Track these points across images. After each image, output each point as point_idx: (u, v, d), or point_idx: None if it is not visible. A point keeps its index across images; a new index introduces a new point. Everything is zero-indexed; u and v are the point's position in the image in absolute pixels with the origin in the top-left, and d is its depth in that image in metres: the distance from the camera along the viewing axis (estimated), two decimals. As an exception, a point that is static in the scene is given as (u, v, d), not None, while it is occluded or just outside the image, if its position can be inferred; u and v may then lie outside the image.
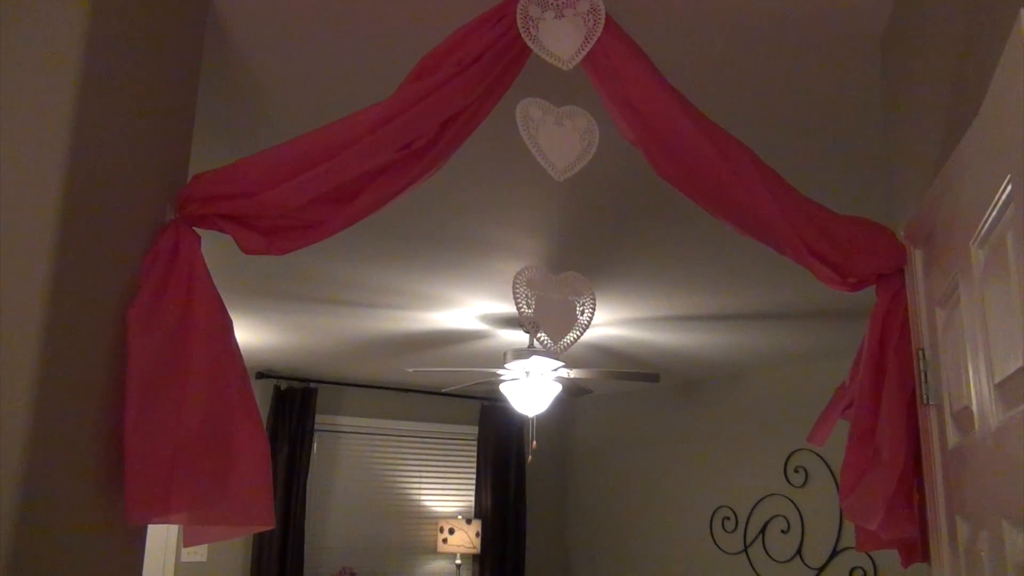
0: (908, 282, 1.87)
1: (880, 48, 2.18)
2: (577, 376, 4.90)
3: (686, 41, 2.18)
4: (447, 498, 7.41)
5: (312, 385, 6.80)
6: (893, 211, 2.12)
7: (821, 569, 5.72)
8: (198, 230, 1.79)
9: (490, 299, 4.59)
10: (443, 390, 6.53)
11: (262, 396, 6.56)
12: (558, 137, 1.89)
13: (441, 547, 7.05)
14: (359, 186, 1.82)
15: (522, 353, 4.49)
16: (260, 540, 6.35)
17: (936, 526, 1.70)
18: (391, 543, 7.07)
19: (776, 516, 6.10)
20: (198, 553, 6.20)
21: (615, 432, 7.64)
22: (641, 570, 7.04)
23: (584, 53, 1.84)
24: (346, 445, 7.05)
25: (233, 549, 6.45)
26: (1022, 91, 0.96)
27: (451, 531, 7.06)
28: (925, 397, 1.77)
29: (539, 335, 1.94)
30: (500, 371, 4.77)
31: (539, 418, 5.14)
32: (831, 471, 5.69)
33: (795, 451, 5.98)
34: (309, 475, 6.63)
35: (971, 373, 1.43)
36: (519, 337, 5.19)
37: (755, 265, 3.89)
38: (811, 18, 2.08)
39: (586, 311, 2.11)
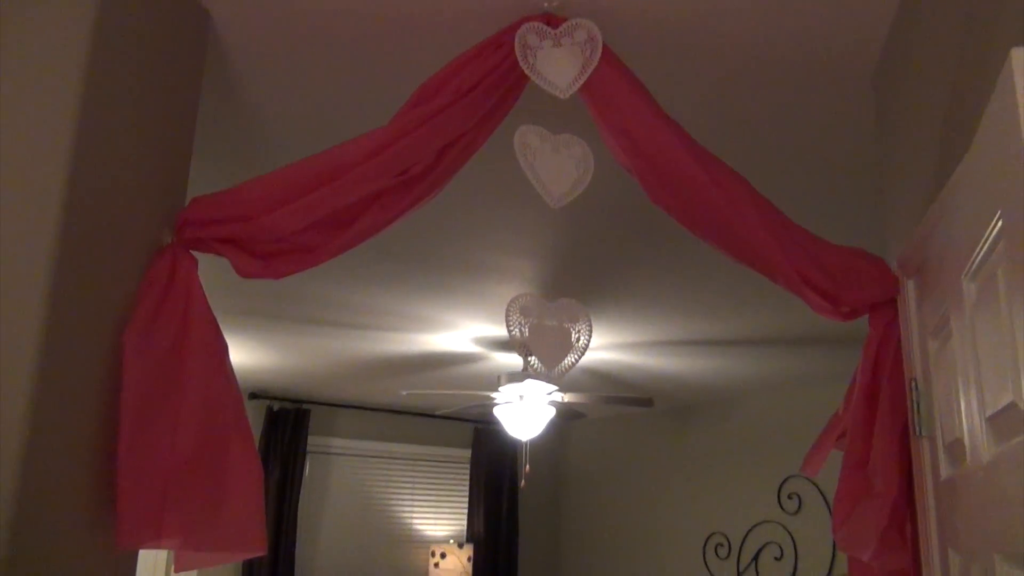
0: (901, 313, 1.88)
1: (873, 82, 2.20)
2: (571, 400, 4.90)
3: (683, 72, 2.20)
4: (439, 522, 7.36)
5: (305, 406, 6.77)
6: (886, 241, 2.14)
7: (814, 597, 5.70)
8: (195, 253, 1.79)
9: (485, 322, 4.60)
10: (436, 412, 6.50)
11: (255, 417, 6.53)
12: (555, 165, 1.90)
13: (432, 572, 7.00)
14: (357, 211, 1.83)
15: (516, 376, 4.48)
16: (250, 563, 6.29)
17: (929, 558, 1.70)
18: (382, 567, 7.02)
19: (769, 543, 6.08)
20: (188, 576, 6.15)
21: (608, 457, 7.62)
22: (633, 596, 6.99)
23: (581, 82, 1.86)
24: (338, 467, 7.02)
25: (223, 572, 6.39)
26: (1012, 130, 0.97)
27: (443, 555, 7.01)
28: (918, 428, 1.78)
29: (532, 361, 1.94)
30: (494, 394, 4.76)
31: (532, 442, 5.13)
32: (825, 498, 5.68)
33: (789, 477, 5.96)
34: (301, 497, 6.59)
35: (963, 405, 1.44)
36: (513, 360, 5.18)
37: (749, 291, 3.91)
38: (805, 53, 2.11)
39: (582, 337, 2.11)
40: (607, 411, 7.20)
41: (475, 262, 3.72)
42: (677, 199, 1.89)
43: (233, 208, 1.77)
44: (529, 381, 4.41)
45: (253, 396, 6.58)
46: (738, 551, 6.28)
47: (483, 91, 1.83)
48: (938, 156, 1.67)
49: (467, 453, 7.53)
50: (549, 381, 4.43)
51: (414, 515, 7.26)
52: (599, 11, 1.91)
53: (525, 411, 4.65)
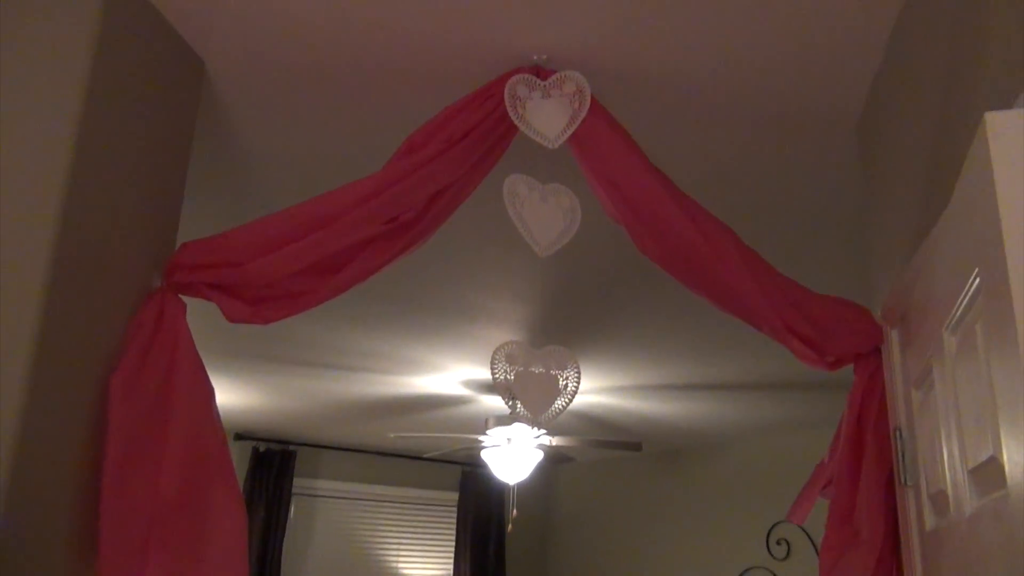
0: (885, 362, 1.90)
1: (857, 133, 2.24)
2: (559, 444, 4.88)
3: (669, 123, 2.24)
4: (425, 566, 7.27)
5: (291, 447, 6.72)
6: (871, 290, 2.16)
7: (804, 645, 5.63)
8: (184, 297, 1.80)
9: (473, 364, 4.59)
10: (424, 455, 6.47)
11: (240, 458, 6.47)
12: (543, 214, 1.93)
13: (418, 617, 6.89)
14: (346, 257, 1.85)
15: (504, 419, 4.47)
16: (232, 607, 6.18)
17: (915, 609, 1.70)
18: (367, 612, 6.91)
19: (758, 589, 6.03)
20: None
21: (597, 501, 7.56)
22: (621, 643, 6.89)
23: (569, 133, 1.89)
24: (324, 509, 6.94)
25: (204, 616, 6.27)
26: (987, 192, 1.00)
27: (428, 600, 6.91)
28: (903, 477, 1.78)
29: (518, 408, 1.95)
30: (482, 437, 4.74)
31: (520, 486, 5.09)
32: (814, 544, 5.65)
33: (777, 523, 5.93)
34: (285, 539, 6.51)
35: (946, 457, 1.45)
36: (501, 403, 5.17)
37: (737, 336, 3.92)
38: (790, 104, 2.15)
39: (570, 383, 2.12)
40: (595, 455, 7.17)
41: (464, 305, 3.73)
42: (663, 248, 1.91)
43: (223, 253, 1.78)
44: (517, 424, 4.40)
45: (239, 437, 6.52)
46: (727, 598, 6.22)
47: (473, 140, 1.85)
48: (920, 207, 1.70)
49: (454, 496, 7.46)
50: (537, 426, 4.42)
51: (400, 559, 7.17)
52: (588, 63, 1.95)
53: (513, 454, 4.63)
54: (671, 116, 2.21)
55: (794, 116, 2.20)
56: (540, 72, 1.94)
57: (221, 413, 1.79)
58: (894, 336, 1.87)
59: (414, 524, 7.32)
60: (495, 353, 1.91)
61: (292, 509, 6.70)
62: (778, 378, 4.69)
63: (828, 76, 2.04)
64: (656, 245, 1.91)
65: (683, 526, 6.67)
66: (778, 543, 5.95)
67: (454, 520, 7.41)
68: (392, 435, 5.40)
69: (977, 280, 1.13)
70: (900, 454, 1.79)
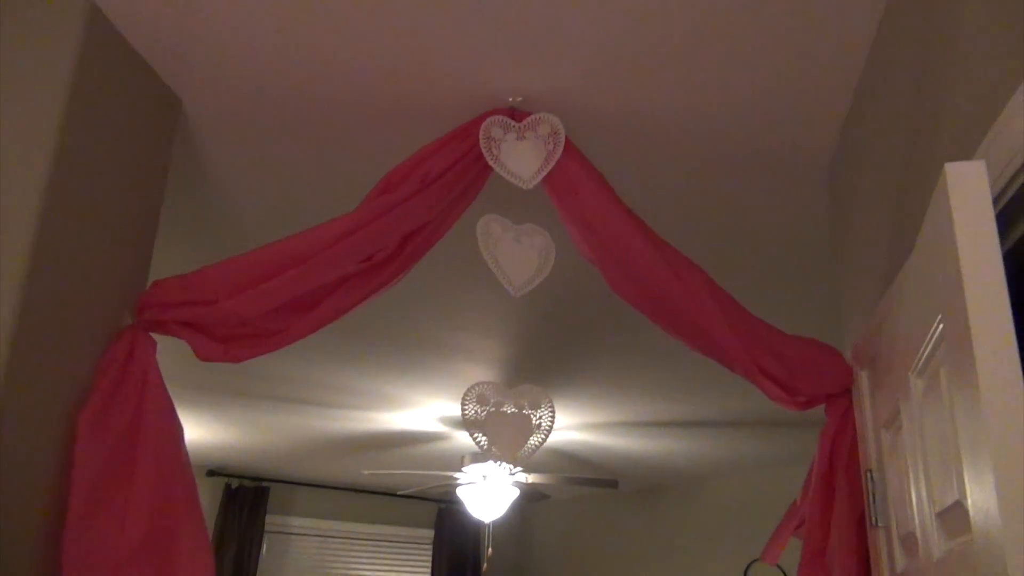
0: (855, 403, 1.91)
1: (827, 177, 2.28)
2: (535, 481, 4.86)
3: (643, 165, 2.27)
4: (399, 604, 7.16)
5: (264, 484, 6.63)
6: (841, 332, 2.19)
7: None
8: (155, 335, 1.79)
9: (449, 401, 4.57)
10: (399, 492, 6.40)
11: (212, 495, 6.37)
12: (516, 254, 1.94)
13: (391, 657, 6.77)
14: (319, 296, 1.85)
15: (480, 456, 4.45)
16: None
17: (886, 652, 1.69)
18: (339, 653, 6.78)
19: (735, 628, 5.98)
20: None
21: (573, 538, 7.50)
22: None
23: (544, 174, 1.91)
24: (297, 547, 6.83)
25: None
26: (947, 241, 1.02)
27: (402, 640, 6.80)
28: (874, 518, 1.79)
29: (486, 446, 1.94)
30: (457, 474, 4.71)
31: (496, 523, 5.05)
32: (790, 583, 5.63)
33: (754, 561, 5.90)
34: (256, 578, 6.40)
35: (914, 499, 1.46)
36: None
37: (712, 374, 3.91)
38: (762, 147, 2.19)
39: (544, 420, 2.12)
40: (571, 492, 7.13)
41: (440, 342, 3.72)
42: (636, 289, 1.92)
43: (195, 291, 1.77)
44: (493, 462, 4.38)
45: (211, 473, 6.43)
46: (704, 637, 6.17)
47: (448, 181, 1.87)
48: (888, 250, 1.72)
49: (430, 533, 7.38)
50: (511, 464, 4.40)
51: (374, 598, 7.06)
52: (562, 106, 1.98)
53: (489, 492, 4.60)
54: (644, 158, 2.24)
55: (765, 159, 2.24)
56: (515, 114, 1.97)
57: (193, 448, 1.77)
58: (864, 377, 1.89)
59: (389, 562, 7.22)
60: (466, 394, 1.91)
61: (264, 547, 6.59)
62: (754, 415, 4.70)
63: (798, 121, 2.08)
64: (629, 286, 1.93)
65: (660, 564, 6.63)
66: (755, 581, 5.92)
67: (429, 558, 7.32)
68: (367, 472, 5.34)
69: (940, 326, 1.14)
70: (871, 495, 1.80)
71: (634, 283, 1.92)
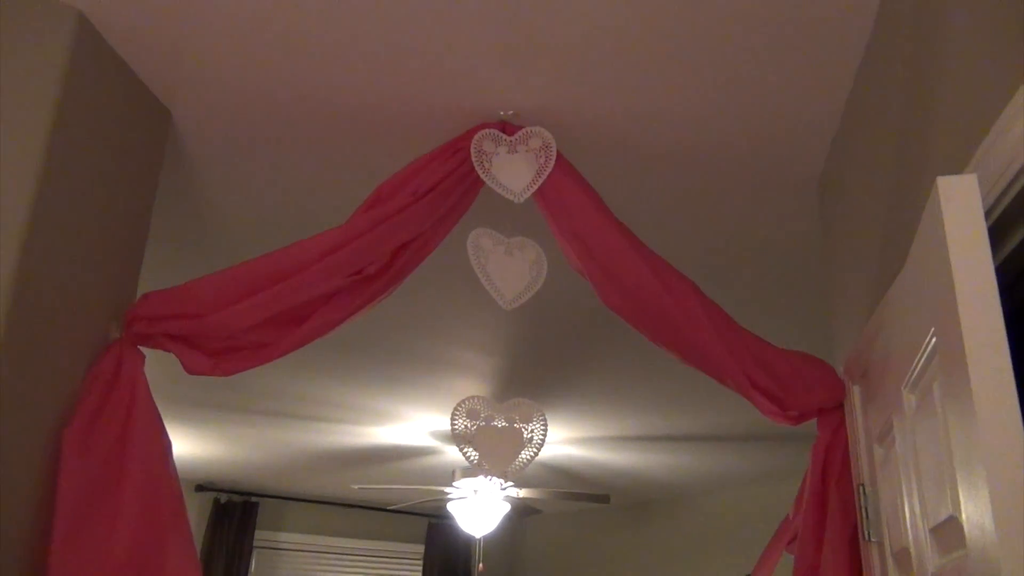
0: (848, 418, 1.91)
1: (817, 191, 2.29)
2: (526, 496, 4.83)
3: (633, 179, 2.27)
4: (389, 621, 7.10)
5: (253, 499, 6.58)
6: (833, 346, 2.18)
7: None
8: (143, 349, 1.77)
9: (440, 415, 4.55)
10: (389, 507, 6.36)
11: (200, 510, 6.31)
12: (508, 267, 1.93)
13: (381, 674, 6.71)
14: (309, 309, 1.83)
15: (471, 471, 4.42)
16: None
17: (880, 668, 1.68)
18: (328, 670, 6.71)
19: (727, 644, 5.95)
20: None
21: (564, 553, 7.47)
22: None
23: (535, 187, 1.91)
24: (286, 563, 6.77)
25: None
26: (940, 254, 1.02)
27: (392, 657, 6.74)
28: (867, 533, 1.78)
29: (478, 460, 1.93)
30: (448, 489, 4.68)
31: (487, 537, 5.03)
32: (782, 598, 5.60)
33: (745, 576, 5.89)
34: (245, 595, 6.33)
35: (908, 514, 1.45)
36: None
37: (704, 388, 3.92)
38: (752, 160, 2.19)
39: (536, 434, 2.10)
40: (563, 507, 7.10)
41: (432, 356, 3.71)
42: (628, 302, 1.92)
43: (184, 304, 1.76)
44: (484, 476, 4.35)
45: (200, 488, 6.38)
46: (696, 653, 6.13)
47: (439, 194, 1.86)
48: (880, 264, 1.72)
49: (420, 548, 7.32)
50: (502, 478, 4.38)
51: (363, 614, 7.00)
52: (553, 119, 1.98)
53: (480, 506, 4.58)
54: (635, 171, 2.24)
55: (755, 172, 2.24)
56: (506, 127, 1.96)
57: (181, 463, 1.75)
58: (856, 392, 1.88)
59: (379, 577, 7.16)
60: (456, 408, 1.89)
61: (253, 563, 6.54)
62: (746, 430, 4.70)
63: (788, 135, 2.09)
64: (620, 299, 1.92)
65: (651, 579, 6.59)
66: (746, 596, 5.89)
67: (420, 573, 7.27)
68: (357, 486, 5.31)
69: (933, 340, 1.14)
70: (864, 510, 1.79)
71: (625, 296, 1.91)
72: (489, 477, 4.15)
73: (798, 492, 2.03)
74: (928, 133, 1.42)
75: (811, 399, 1.94)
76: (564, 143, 1.97)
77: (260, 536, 6.60)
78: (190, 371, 1.78)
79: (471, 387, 4.07)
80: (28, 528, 1.52)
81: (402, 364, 3.82)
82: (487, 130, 1.94)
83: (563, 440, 4.98)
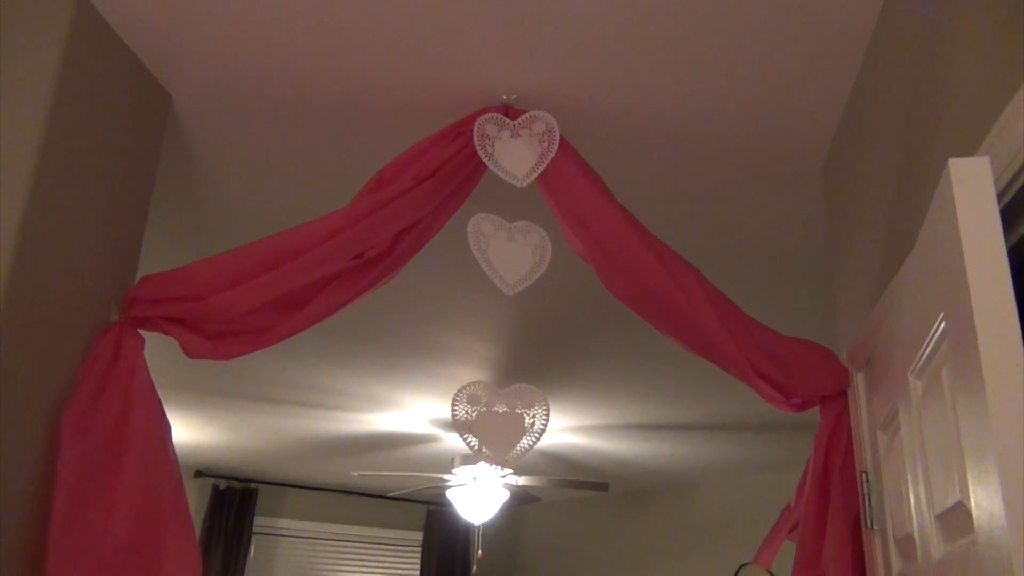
0: (851, 405, 1.90)
1: (821, 177, 2.27)
2: (525, 483, 4.83)
3: (637, 164, 2.25)
4: (388, 607, 7.12)
5: (252, 485, 6.58)
6: (837, 333, 2.17)
7: None
8: (142, 332, 1.76)
9: (439, 402, 4.54)
10: (388, 494, 6.36)
11: (199, 496, 6.32)
12: (509, 252, 1.92)
13: (379, 661, 6.73)
14: (310, 293, 1.82)
15: (470, 458, 4.42)
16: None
17: (882, 656, 1.68)
18: (327, 656, 6.74)
19: (725, 632, 5.97)
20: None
21: (563, 541, 7.48)
22: None
23: (538, 172, 1.89)
24: (285, 549, 6.78)
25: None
26: (951, 237, 1.01)
27: (391, 643, 6.76)
28: (869, 521, 1.77)
29: (477, 447, 1.92)
30: (447, 476, 4.68)
31: (486, 525, 5.03)
32: (780, 586, 5.62)
33: (745, 565, 5.90)
34: (244, 580, 6.34)
35: (912, 501, 1.44)
36: (468, 442, 5.11)
37: (705, 377, 3.93)
38: (756, 144, 2.17)
39: (537, 421, 2.09)
40: (562, 495, 7.11)
41: (432, 343, 3.70)
42: (631, 288, 1.90)
43: (184, 287, 1.75)
44: (483, 463, 4.35)
45: (199, 474, 6.38)
46: (693, 641, 6.15)
47: (441, 178, 1.85)
48: (885, 250, 1.71)
49: (419, 536, 7.34)
50: (502, 465, 4.38)
51: (362, 601, 7.01)
52: (556, 104, 1.96)
53: (479, 494, 4.57)
54: (639, 157, 2.23)
55: (760, 159, 2.22)
56: (509, 112, 1.95)
57: (180, 449, 1.74)
58: (860, 379, 1.87)
59: (378, 564, 7.18)
60: (457, 394, 1.88)
61: (252, 549, 6.55)
62: (746, 419, 4.70)
63: (793, 120, 2.07)
64: (623, 284, 1.91)
65: (650, 567, 6.61)
66: (745, 585, 5.91)
67: (419, 560, 7.28)
68: (356, 473, 5.31)
69: (943, 325, 1.13)
70: (867, 497, 1.79)
71: (628, 281, 1.90)
72: (489, 464, 4.14)
73: (800, 480, 2.03)
74: (936, 119, 1.41)
75: (814, 386, 1.93)
76: (567, 128, 1.95)
77: (259, 522, 6.61)
78: (189, 354, 1.77)
79: (470, 374, 4.06)
80: (27, 511, 1.51)
81: (402, 351, 3.81)
82: (490, 114, 1.92)
83: (563, 428, 4.98)
